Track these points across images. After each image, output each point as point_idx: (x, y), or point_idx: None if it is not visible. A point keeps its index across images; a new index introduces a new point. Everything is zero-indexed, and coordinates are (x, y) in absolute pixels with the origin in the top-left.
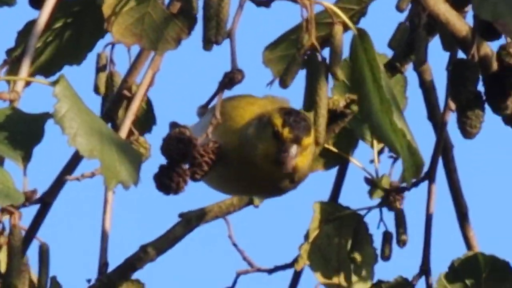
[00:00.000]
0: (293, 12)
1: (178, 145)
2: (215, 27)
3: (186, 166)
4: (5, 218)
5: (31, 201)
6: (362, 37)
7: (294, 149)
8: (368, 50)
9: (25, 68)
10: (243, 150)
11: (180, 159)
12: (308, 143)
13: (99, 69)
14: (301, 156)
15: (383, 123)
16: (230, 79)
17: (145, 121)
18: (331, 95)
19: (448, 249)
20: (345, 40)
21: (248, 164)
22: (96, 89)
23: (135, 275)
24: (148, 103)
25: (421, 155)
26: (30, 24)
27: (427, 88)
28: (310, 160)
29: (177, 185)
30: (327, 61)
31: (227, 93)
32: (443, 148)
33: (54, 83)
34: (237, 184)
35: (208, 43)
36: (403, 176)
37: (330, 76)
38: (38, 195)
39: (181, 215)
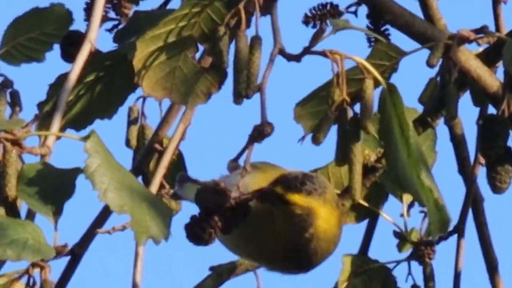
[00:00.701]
0: (324, 67)
1: (213, 196)
2: (245, 81)
3: (217, 218)
4: (36, 271)
5: (61, 254)
6: (391, 91)
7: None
8: (397, 104)
9: (56, 123)
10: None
11: (215, 210)
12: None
13: (131, 122)
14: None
15: (410, 176)
16: (260, 132)
17: (177, 172)
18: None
19: None
20: (376, 96)
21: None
22: (128, 143)
23: None
24: (180, 156)
25: (448, 211)
26: (62, 77)
27: (458, 142)
28: (331, 233)
29: (209, 236)
30: (358, 115)
31: (256, 147)
32: (474, 201)
33: (85, 138)
34: (254, 245)
35: (238, 97)
36: (429, 229)
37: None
38: (69, 248)
39: (212, 268)
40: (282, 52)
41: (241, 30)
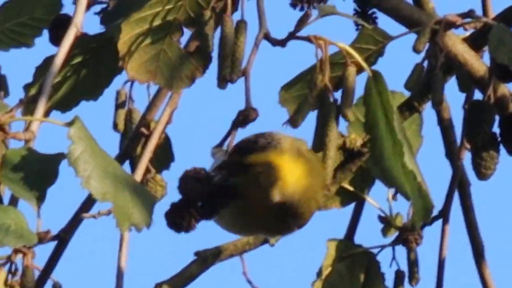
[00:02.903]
0: (309, 52)
1: (196, 184)
2: (230, 66)
3: (199, 205)
4: (19, 258)
5: (44, 241)
6: (376, 78)
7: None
8: (382, 92)
9: (41, 107)
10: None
11: (197, 198)
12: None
13: (118, 106)
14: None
15: (394, 166)
16: (244, 117)
17: (163, 158)
18: (347, 133)
19: None
20: (360, 81)
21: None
22: (115, 127)
23: None
24: (166, 140)
25: (431, 198)
26: (49, 60)
27: (445, 126)
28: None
29: (188, 224)
30: (339, 102)
31: (241, 131)
32: (460, 185)
33: (69, 124)
34: (240, 221)
35: (222, 81)
36: (412, 219)
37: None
38: (52, 235)
39: (197, 254)
40: (267, 37)
41: (226, 14)
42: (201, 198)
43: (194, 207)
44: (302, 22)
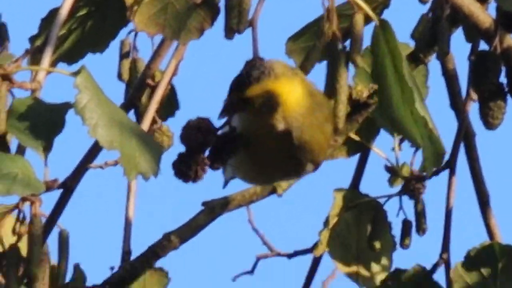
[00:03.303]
0: (316, 3)
1: (197, 134)
2: (237, 16)
3: (206, 155)
4: (26, 206)
5: (52, 188)
6: (383, 27)
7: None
8: (389, 40)
9: (47, 58)
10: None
11: (199, 148)
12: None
13: (123, 56)
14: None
15: (403, 115)
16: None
17: (169, 106)
18: (354, 84)
19: (469, 238)
20: (367, 32)
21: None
22: (120, 76)
23: (158, 263)
24: (172, 90)
25: (443, 143)
26: (54, 12)
27: (450, 77)
28: (321, 132)
29: (195, 174)
30: (348, 49)
31: None
32: (466, 136)
33: (75, 74)
34: (256, 167)
35: (230, 32)
36: (423, 165)
37: (351, 65)
38: (60, 182)
39: (204, 204)
40: None
41: None
42: (202, 148)
43: (200, 157)
44: None
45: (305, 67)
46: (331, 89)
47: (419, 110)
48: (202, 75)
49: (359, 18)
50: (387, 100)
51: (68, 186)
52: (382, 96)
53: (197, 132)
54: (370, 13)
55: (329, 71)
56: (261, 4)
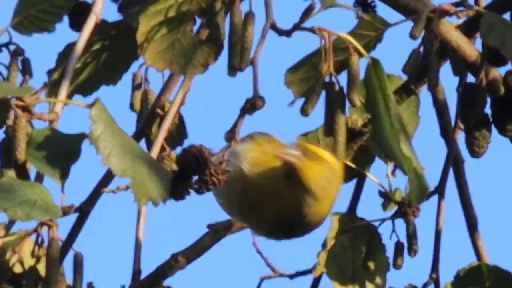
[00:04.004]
0: (313, 42)
1: (192, 162)
2: (239, 55)
3: (194, 178)
4: (44, 230)
5: (68, 213)
6: (375, 65)
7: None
8: (380, 77)
9: (64, 90)
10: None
11: (190, 174)
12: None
13: (135, 87)
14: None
15: (392, 144)
16: (252, 105)
17: (177, 135)
18: (349, 114)
19: (459, 258)
20: (362, 64)
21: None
22: (132, 107)
23: (166, 282)
24: (180, 119)
25: (426, 180)
26: (70, 46)
27: (440, 107)
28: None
29: (180, 194)
30: (345, 89)
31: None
32: (455, 163)
33: (90, 106)
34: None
35: (232, 69)
36: (408, 197)
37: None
38: (75, 207)
39: (209, 226)
40: (273, 27)
41: (235, 5)
42: (192, 174)
43: (187, 180)
44: (306, 14)
45: (306, 110)
46: (329, 128)
47: (404, 150)
48: (209, 104)
49: (355, 60)
50: (379, 129)
51: (84, 211)
52: (375, 125)
53: (193, 160)
54: (363, 51)
55: (328, 111)
56: (261, 43)
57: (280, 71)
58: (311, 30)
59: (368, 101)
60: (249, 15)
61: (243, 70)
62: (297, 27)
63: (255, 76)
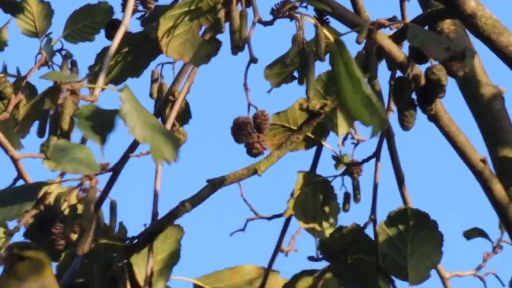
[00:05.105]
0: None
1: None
2: (238, 38)
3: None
4: (87, 182)
5: (105, 170)
6: (338, 44)
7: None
8: (343, 51)
9: (101, 79)
10: None
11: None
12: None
13: (153, 81)
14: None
15: (355, 102)
16: (252, 61)
17: (184, 116)
18: (310, 99)
19: (390, 204)
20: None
21: None
22: (151, 95)
23: (176, 222)
24: (186, 104)
25: (384, 112)
26: (105, 49)
27: (377, 95)
28: None
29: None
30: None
31: None
32: (387, 136)
33: (120, 90)
34: None
35: (235, 48)
36: (372, 133)
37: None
38: (110, 166)
39: (208, 181)
40: (259, 21)
41: (233, 5)
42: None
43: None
44: (283, 5)
45: (301, 80)
46: (302, 78)
47: (365, 91)
48: (206, 93)
49: (320, 32)
50: (342, 96)
51: (116, 170)
52: (339, 94)
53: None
54: (329, 35)
55: (302, 67)
56: (252, 30)
57: (265, 55)
58: (288, 15)
59: (331, 76)
60: (243, 12)
61: (242, 49)
62: (276, 18)
63: (249, 47)
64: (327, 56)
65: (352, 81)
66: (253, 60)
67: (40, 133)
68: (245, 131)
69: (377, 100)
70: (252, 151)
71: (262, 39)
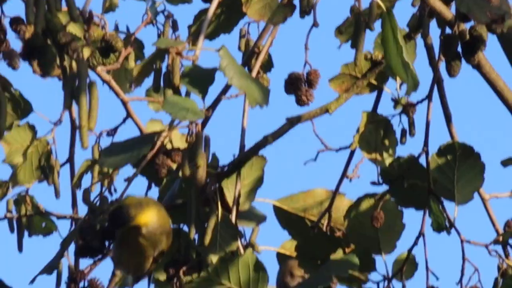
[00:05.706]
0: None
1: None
2: (306, 4)
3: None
4: (193, 126)
5: (207, 116)
6: (389, 13)
7: None
8: (392, 20)
9: (201, 40)
10: None
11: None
12: None
13: (241, 37)
14: None
15: (397, 64)
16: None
17: (267, 65)
18: (373, 51)
19: (441, 139)
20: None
21: None
22: (239, 48)
23: (260, 153)
24: (269, 56)
25: (418, 77)
26: (202, 11)
27: (429, 48)
28: None
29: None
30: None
31: None
32: (438, 81)
33: (218, 50)
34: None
35: (303, 13)
36: (407, 90)
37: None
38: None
39: (287, 119)
40: None
41: None
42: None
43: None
44: None
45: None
46: (355, 43)
47: (404, 57)
48: (286, 47)
49: (374, 4)
50: (388, 55)
51: (206, 116)
52: (386, 54)
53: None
54: (381, 4)
55: (355, 32)
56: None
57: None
58: None
59: (382, 39)
60: None
61: (309, 13)
62: None
63: (314, 13)
64: (379, 21)
65: (396, 46)
66: (315, 24)
67: (156, 89)
68: (295, 84)
69: (413, 67)
70: (299, 102)
71: (325, 7)
